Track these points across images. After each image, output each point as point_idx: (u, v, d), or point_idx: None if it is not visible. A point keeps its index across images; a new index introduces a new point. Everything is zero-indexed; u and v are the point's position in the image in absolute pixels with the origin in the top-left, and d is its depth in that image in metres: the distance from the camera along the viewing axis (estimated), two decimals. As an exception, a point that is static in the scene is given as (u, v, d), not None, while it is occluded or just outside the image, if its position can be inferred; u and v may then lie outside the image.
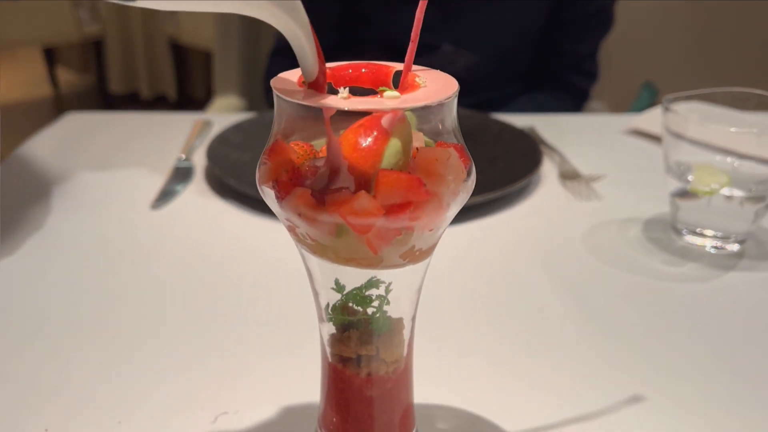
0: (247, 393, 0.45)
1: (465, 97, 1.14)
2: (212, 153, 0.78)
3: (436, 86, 0.31)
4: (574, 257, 0.63)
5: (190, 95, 3.64)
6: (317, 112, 0.29)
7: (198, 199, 0.73)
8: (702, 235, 0.65)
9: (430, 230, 0.31)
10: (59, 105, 3.79)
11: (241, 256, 0.63)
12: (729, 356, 0.49)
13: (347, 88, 0.30)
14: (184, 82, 3.66)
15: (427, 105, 0.29)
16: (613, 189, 0.76)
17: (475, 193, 0.70)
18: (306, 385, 0.44)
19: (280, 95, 0.30)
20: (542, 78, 1.33)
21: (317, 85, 0.30)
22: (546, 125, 0.94)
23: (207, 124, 0.94)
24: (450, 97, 0.30)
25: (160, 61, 3.58)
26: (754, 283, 0.59)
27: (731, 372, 0.48)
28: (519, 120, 0.94)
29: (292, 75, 0.32)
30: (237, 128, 0.86)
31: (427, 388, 0.44)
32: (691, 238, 0.65)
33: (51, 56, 3.89)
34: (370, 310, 0.34)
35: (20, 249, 0.63)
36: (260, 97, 1.53)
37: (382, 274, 0.33)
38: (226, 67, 1.59)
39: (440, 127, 0.30)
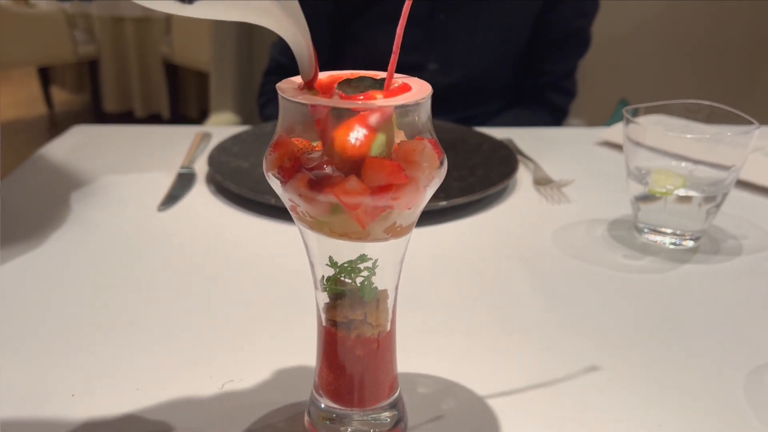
0: (250, 363, 0.50)
1: (448, 114, 1.22)
2: (213, 160, 0.84)
3: (414, 90, 0.37)
4: (545, 252, 0.69)
5: (183, 114, 3.71)
6: (310, 111, 0.35)
7: (201, 201, 0.80)
8: (661, 233, 0.71)
9: (409, 209, 0.37)
10: (54, 124, 3.84)
11: (240, 250, 0.69)
12: (680, 334, 0.56)
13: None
14: (178, 102, 3.73)
15: (405, 104, 0.35)
16: (582, 193, 0.83)
17: (457, 195, 0.78)
18: (301, 357, 0.50)
19: (284, 96, 0.36)
20: (522, 95, 1.40)
21: (311, 84, 0.36)
22: (523, 137, 1.01)
23: (206, 136, 1.00)
24: (424, 98, 0.36)
25: (153, 80, 3.66)
26: (706, 274, 0.65)
27: (681, 347, 0.54)
28: (498, 133, 1.01)
29: (294, 81, 0.38)
30: (235, 139, 0.93)
31: (410, 360, 0.49)
32: (651, 236, 0.72)
33: (46, 76, 3.95)
34: (358, 280, 0.40)
35: (45, 243, 0.69)
36: (254, 114, 1.59)
37: (370, 250, 0.39)
38: (221, 85, 1.66)
39: (417, 120, 0.36)
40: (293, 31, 0.34)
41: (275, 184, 0.37)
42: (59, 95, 4.14)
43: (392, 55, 0.37)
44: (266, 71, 1.40)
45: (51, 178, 0.87)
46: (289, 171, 0.36)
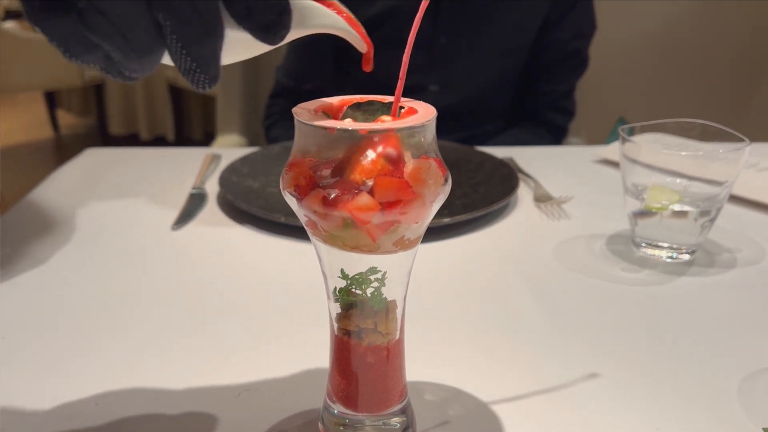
0: (265, 373, 0.53)
1: (450, 134, 1.25)
2: (224, 181, 0.87)
3: (419, 113, 0.40)
4: (545, 265, 0.72)
5: (187, 136, 3.75)
6: (326, 134, 0.38)
7: (213, 220, 0.83)
8: (658, 247, 0.74)
9: (416, 223, 0.40)
10: (60, 147, 3.89)
11: (252, 266, 0.72)
12: (677, 343, 0.58)
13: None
14: (182, 124, 3.77)
15: (412, 126, 0.38)
16: (581, 210, 0.86)
17: (460, 212, 0.80)
18: (313, 366, 0.53)
19: (300, 119, 0.39)
20: (522, 116, 1.43)
21: (368, 57, 0.41)
22: (523, 156, 1.04)
23: (216, 158, 1.03)
24: (429, 120, 0.39)
25: (158, 103, 3.70)
26: (702, 286, 0.68)
27: (677, 355, 0.56)
28: (499, 152, 1.04)
29: (310, 105, 0.41)
30: (245, 160, 0.96)
31: (417, 369, 0.52)
32: (648, 250, 0.74)
33: (52, 100, 4.01)
34: (369, 291, 0.42)
35: (62, 260, 0.72)
36: (260, 135, 1.63)
37: (379, 263, 0.41)
38: (228, 107, 1.69)
39: (422, 141, 0.39)
40: (342, 26, 0.38)
41: (291, 200, 0.40)
42: (65, 118, 4.19)
43: (399, 81, 0.40)
44: (272, 94, 1.44)
45: (67, 199, 0.90)
46: (304, 189, 0.39)
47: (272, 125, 1.42)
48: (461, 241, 0.78)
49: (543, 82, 1.40)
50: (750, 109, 2.11)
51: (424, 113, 0.40)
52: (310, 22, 0.37)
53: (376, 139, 0.37)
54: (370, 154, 0.38)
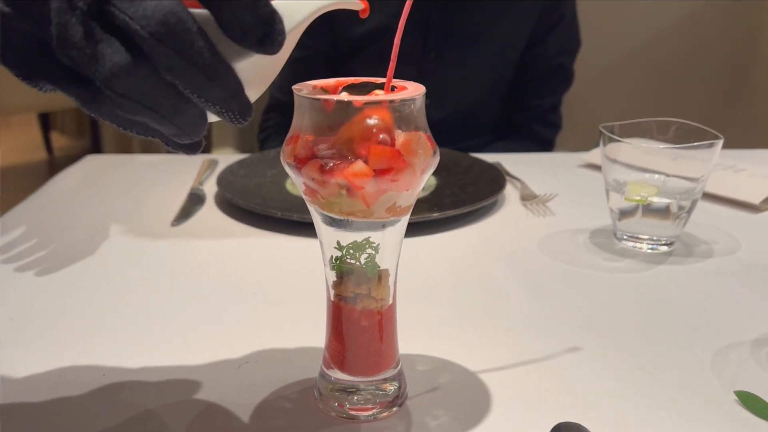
0: (263, 348, 0.56)
1: (440, 146, 1.28)
2: (222, 181, 0.90)
3: (409, 89, 0.44)
4: (531, 256, 0.75)
5: (181, 156, 3.78)
6: (324, 106, 0.41)
7: (211, 217, 0.86)
8: (638, 239, 0.77)
9: (407, 190, 0.43)
10: (53, 169, 3.90)
11: (248, 258, 0.75)
12: (655, 321, 0.61)
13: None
14: (176, 145, 3.79)
15: (404, 98, 0.42)
16: (565, 208, 0.89)
17: (449, 208, 0.83)
18: (307, 342, 0.55)
19: (300, 94, 0.42)
20: (510, 129, 1.47)
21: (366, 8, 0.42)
22: (511, 161, 1.07)
23: (213, 163, 1.06)
24: (419, 95, 0.42)
25: (152, 125, 3.73)
26: (679, 273, 0.71)
27: (655, 331, 0.59)
28: (488, 157, 1.08)
29: (309, 84, 0.44)
30: (241, 163, 0.99)
31: (411, 345, 0.54)
32: (629, 242, 0.78)
33: (46, 122, 4.03)
34: (363, 258, 0.45)
35: (68, 252, 0.74)
36: (254, 149, 1.66)
37: (372, 234, 0.45)
38: (222, 122, 1.72)
39: (413, 115, 0.42)
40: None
41: (291, 171, 0.43)
42: (59, 140, 4.21)
43: (390, 63, 0.44)
44: (266, 108, 1.47)
45: (69, 199, 0.93)
46: (303, 159, 0.42)
47: (267, 138, 1.45)
48: (451, 235, 0.81)
49: (530, 97, 1.45)
50: (733, 121, 2.18)
51: (413, 89, 0.43)
52: (299, 15, 0.40)
53: (370, 111, 0.41)
54: (365, 125, 0.41)
